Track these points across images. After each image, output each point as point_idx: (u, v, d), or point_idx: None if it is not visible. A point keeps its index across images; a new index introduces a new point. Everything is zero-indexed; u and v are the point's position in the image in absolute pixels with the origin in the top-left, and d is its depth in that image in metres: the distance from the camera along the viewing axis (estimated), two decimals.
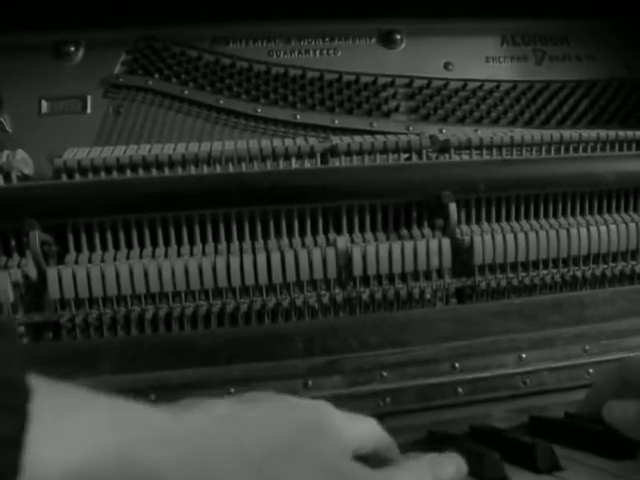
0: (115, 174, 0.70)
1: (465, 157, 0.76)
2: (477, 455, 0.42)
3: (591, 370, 0.63)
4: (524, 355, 0.62)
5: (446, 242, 0.68)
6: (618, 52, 0.96)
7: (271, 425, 0.35)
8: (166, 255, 0.68)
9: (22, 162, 0.71)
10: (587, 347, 0.63)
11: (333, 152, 0.73)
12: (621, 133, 0.80)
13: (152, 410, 0.32)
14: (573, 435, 0.47)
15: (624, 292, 0.69)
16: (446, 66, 0.91)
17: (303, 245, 0.69)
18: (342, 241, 0.67)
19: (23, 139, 0.79)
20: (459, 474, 0.40)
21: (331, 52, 0.89)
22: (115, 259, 0.67)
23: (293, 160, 0.73)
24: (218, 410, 0.35)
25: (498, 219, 0.75)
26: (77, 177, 0.70)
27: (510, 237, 0.69)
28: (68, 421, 0.28)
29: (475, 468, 0.42)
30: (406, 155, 0.75)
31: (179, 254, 0.68)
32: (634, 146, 0.80)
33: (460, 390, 0.60)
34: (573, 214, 0.76)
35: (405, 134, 0.79)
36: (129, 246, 0.69)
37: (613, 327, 0.65)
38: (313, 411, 0.38)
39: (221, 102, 0.84)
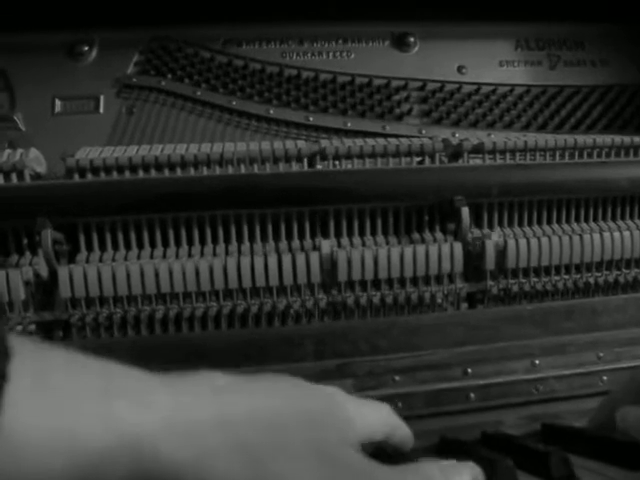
0: (127, 174, 0.70)
1: (478, 161, 0.75)
2: (490, 462, 0.42)
3: (605, 377, 0.62)
4: (537, 361, 0.61)
5: (458, 246, 0.67)
6: (633, 57, 0.95)
7: (269, 411, 0.33)
8: (177, 255, 0.68)
9: (35, 161, 0.71)
10: (601, 354, 0.63)
11: (348, 155, 0.73)
12: (636, 139, 0.79)
13: (144, 378, 0.31)
14: (587, 443, 0.46)
15: (637, 299, 0.68)
16: (459, 69, 0.91)
17: (314, 248, 0.69)
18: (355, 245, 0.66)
19: (36, 138, 0.79)
20: None
21: (344, 54, 0.89)
22: (126, 259, 0.67)
23: (305, 162, 0.73)
24: (212, 380, 0.33)
25: (510, 224, 0.74)
26: (89, 176, 0.70)
27: (522, 242, 0.69)
28: (52, 384, 0.27)
29: (488, 475, 0.41)
30: (419, 159, 0.75)
31: (190, 255, 0.68)
32: None
33: (472, 396, 0.60)
34: (586, 220, 0.76)
35: (418, 137, 0.79)
36: (140, 246, 0.69)
37: (626, 334, 0.64)
38: (321, 397, 0.37)
39: (233, 103, 0.84)
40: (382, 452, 0.42)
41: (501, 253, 0.68)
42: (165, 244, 0.69)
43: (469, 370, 0.60)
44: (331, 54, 0.89)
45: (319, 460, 0.33)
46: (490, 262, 0.68)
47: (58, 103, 0.82)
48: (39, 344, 0.28)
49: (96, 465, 0.27)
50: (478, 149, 0.75)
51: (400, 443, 0.42)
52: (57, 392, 0.27)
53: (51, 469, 0.26)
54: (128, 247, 0.69)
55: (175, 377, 0.32)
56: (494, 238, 0.69)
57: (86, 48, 0.85)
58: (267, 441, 0.32)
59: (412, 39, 0.90)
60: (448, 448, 0.50)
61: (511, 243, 0.68)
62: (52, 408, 0.26)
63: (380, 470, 0.35)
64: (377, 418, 0.40)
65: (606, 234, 0.71)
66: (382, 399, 0.58)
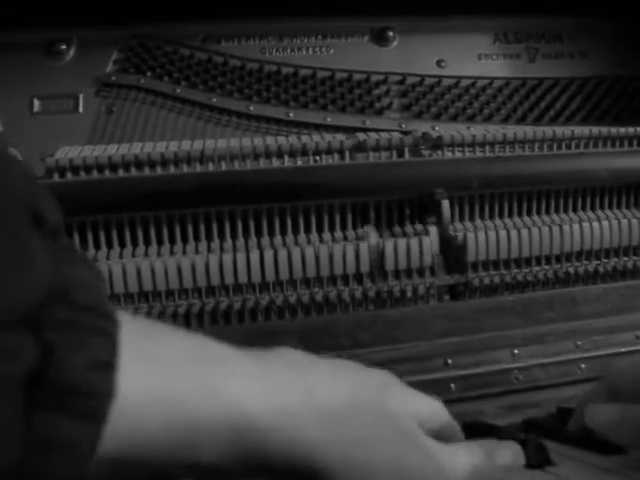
0: (107, 173, 0.70)
1: (458, 154, 0.76)
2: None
3: (583, 365, 0.63)
4: (517, 351, 0.62)
5: (437, 239, 0.68)
6: (611, 49, 0.96)
7: (343, 379, 0.36)
8: (159, 254, 0.68)
9: None
10: (579, 343, 0.63)
11: (328, 150, 0.73)
12: (614, 130, 0.80)
13: (235, 352, 0.32)
14: (564, 434, 0.47)
15: (616, 288, 0.69)
16: (439, 63, 0.91)
17: (296, 243, 0.69)
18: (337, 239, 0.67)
19: (15, 138, 0.78)
20: (516, 460, 0.41)
21: (324, 50, 0.89)
22: (108, 258, 0.67)
23: (286, 158, 0.73)
24: (293, 357, 0.35)
25: (491, 216, 0.75)
26: (69, 176, 0.69)
27: (503, 234, 0.69)
28: (153, 350, 0.28)
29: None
30: (399, 153, 0.75)
31: (172, 253, 0.68)
32: (626, 142, 0.80)
33: (453, 386, 0.60)
34: (566, 211, 0.76)
35: (398, 131, 0.79)
36: (122, 245, 0.68)
37: (605, 323, 0.65)
38: (385, 380, 0.39)
39: (214, 100, 0.84)
40: None
41: (482, 245, 0.69)
42: (147, 242, 0.69)
43: (449, 361, 0.61)
44: (311, 50, 0.89)
45: (390, 429, 0.35)
46: (471, 254, 0.69)
47: (36, 103, 0.82)
48: (137, 317, 0.29)
49: (195, 430, 0.28)
50: (458, 142, 0.76)
51: (449, 437, 0.43)
52: (162, 356, 0.28)
53: (151, 434, 0.27)
54: (110, 246, 0.68)
55: (255, 352, 0.34)
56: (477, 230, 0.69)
57: (64, 47, 0.84)
58: (345, 405, 0.34)
59: (391, 34, 0.90)
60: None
61: (492, 235, 0.69)
62: (157, 371, 0.27)
63: (438, 447, 0.37)
64: (432, 408, 0.41)
65: (585, 224, 0.72)
66: None
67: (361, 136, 0.75)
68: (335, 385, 0.35)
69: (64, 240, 0.30)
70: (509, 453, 0.41)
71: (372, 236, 0.69)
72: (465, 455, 0.38)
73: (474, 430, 0.48)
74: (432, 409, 0.41)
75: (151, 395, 0.27)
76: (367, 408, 0.35)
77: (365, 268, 0.66)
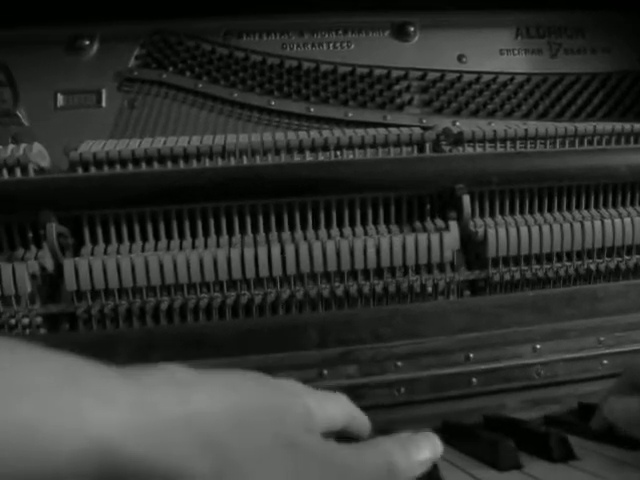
0: (130, 167, 0.71)
1: (479, 150, 0.76)
2: (492, 443, 0.42)
3: (605, 361, 0.62)
4: (538, 346, 0.62)
5: (458, 234, 0.68)
6: (633, 44, 0.95)
7: (229, 394, 0.34)
8: (181, 247, 0.68)
9: (38, 155, 0.72)
10: (601, 339, 0.63)
11: (349, 145, 0.73)
12: (636, 126, 0.79)
13: (106, 372, 0.30)
14: (586, 429, 0.47)
15: (638, 285, 0.69)
16: (460, 59, 0.91)
17: (317, 238, 0.69)
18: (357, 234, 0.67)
19: (39, 132, 0.80)
20: (434, 454, 0.39)
21: (344, 45, 0.89)
22: (130, 251, 0.68)
23: (307, 153, 0.73)
24: (175, 374, 0.33)
25: (512, 212, 0.74)
26: (93, 170, 0.70)
27: (524, 230, 0.69)
28: (19, 374, 0.27)
29: (490, 457, 0.42)
30: (420, 148, 0.75)
31: (193, 246, 0.69)
32: None
33: (474, 380, 0.60)
34: (587, 207, 0.76)
35: (419, 127, 0.79)
36: (144, 238, 0.69)
37: (627, 319, 0.65)
38: (279, 389, 0.38)
39: (235, 95, 0.85)
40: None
41: (502, 241, 0.69)
42: (169, 236, 0.70)
43: (471, 355, 0.61)
44: (331, 45, 0.89)
45: (283, 449, 0.33)
46: (492, 250, 0.69)
47: (60, 97, 0.83)
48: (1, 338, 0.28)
49: (54, 461, 0.27)
50: (479, 138, 0.75)
51: (358, 431, 0.43)
52: (20, 383, 0.26)
53: (6, 464, 0.25)
54: (132, 240, 0.69)
55: (135, 371, 0.32)
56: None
57: (87, 42, 0.85)
58: (232, 435, 0.32)
59: (412, 29, 0.90)
60: (450, 432, 0.50)
61: (512, 231, 0.69)
62: (15, 403, 0.26)
63: (341, 450, 0.36)
64: (335, 408, 0.41)
65: (607, 221, 0.71)
66: (385, 385, 0.59)
67: (382, 131, 0.75)
68: (220, 405, 0.33)
69: None
70: (427, 446, 0.39)
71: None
72: (372, 454, 0.37)
73: (496, 424, 0.48)
74: (337, 409, 0.41)
75: (5, 425, 0.25)
76: (254, 431, 0.33)
77: (386, 263, 0.66)
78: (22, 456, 0.26)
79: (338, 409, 0.41)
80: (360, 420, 0.43)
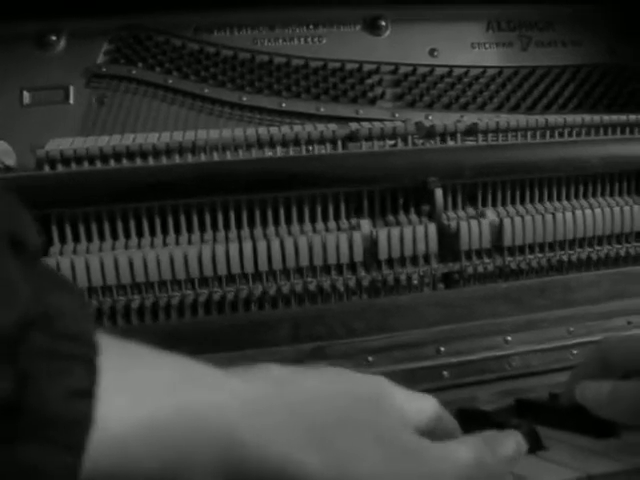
0: (99, 164, 0.69)
1: (451, 143, 0.76)
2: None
3: (575, 351, 0.63)
4: (509, 338, 0.62)
5: (432, 228, 0.68)
6: (603, 37, 0.96)
7: (329, 394, 0.35)
8: (152, 245, 0.67)
9: (4, 153, 0.71)
10: (571, 329, 0.64)
11: (321, 140, 0.73)
12: (606, 117, 0.80)
13: (217, 372, 0.32)
14: (556, 416, 0.47)
15: (609, 275, 0.70)
16: (431, 52, 0.91)
17: (289, 233, 0.69)
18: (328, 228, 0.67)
19: (5, 131, 0.78)
20: (519, 450, 0.40)
21: (316, 39, 0.89)
22: (100, 250, 0.67)
23: (278, 148, 0.73)
24: (274, 372, 0.35)
25: (484, 204, 0.75)
26: (60, 168, 0.69)
27: (496, 222, 0.69)
28: (135, 377, 0.28)
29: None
30: (392, 142, 0.75)
31: (165, 244, 0.68)
32: (619, 130, 0.80)
33: (446, 373, 0.60)
34: (559, 198, 0.77)
35: (391, 121, 0.79)
36: (114, 237, 0.68)
37: (598, 309, 0.65)
38: (372, 384, 0.39)
39: (206, 91, 0.84)
40: None
41: (475, 233, 0.69)
42: (139, 234, 0.69)
43: (442, 349, 0.61)
44: (303, 39, 0.89)
45: (378, 440, 0.34)
46: (464, 243, 0.69)
47: (26, 94, 0.81)
48: (115, 338, 0.29)
49: (183, 456, 0.28)
50: (451, 131, 0.75)
51: (446, 433, 0.43)
52: (141, 385, 0.28)
53: (136, 461, 0.27)
54: (102, 238, 0.68)
55: (236, 370, 0.34)
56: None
57: (54, 38, 0.83)
58: (331, 421, 0.33)
59: (383, 23, 0.90)
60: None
61: (485, 223, 0.69)
62: (136, 400, 0.27)
63: (434, 447, 0.37)
64: (425, 407, 0.41)
65: (578, 212, 0.72)
66: None
67: (354, 125, 0.74)
68: (320, 402, 0.34)
69: (45, 265, 0.29)
70: (511, 443, 0.40)
71: (365, 226, 0.68)
72: (463, 450, 0.37)
73: (467, 416, 0.48)
74: (426, 409, 0.41)
75: (134, 423, 0.27)
76: (354, 424, 0.34)
77: (358, 257, 0.66)
78: (150, 455, 0.27)
79: (427, 408, 0.41)
80: (449, 423, 0.44)
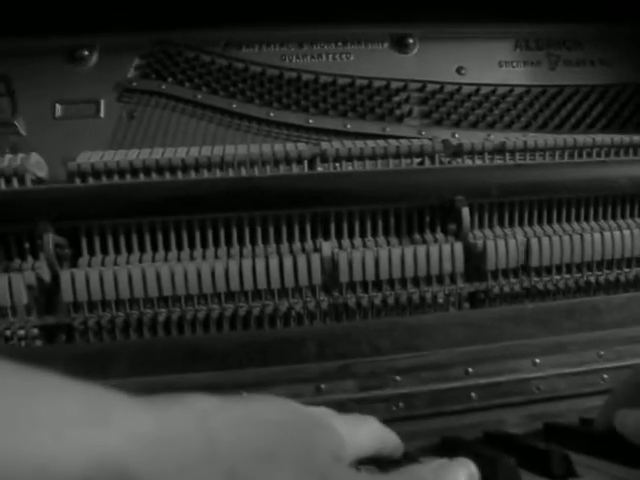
0: (128, 178, 0.70)
1: (478, 162, 0.75)
2: (492, 460, 0.42)
3: (605, 376, 0.62)
4: (538, 360, 0.61)
5: (459, 247, 0.67)
6: (631, 57, 0.95)
7: (255, 425, 0.33)
8: (179, 259, 0.68)
9: (36, 165, 0.72)
10: (602, 353, 0.63)
11: (348, 157, 0.73)
12: (635, 138, 0.79)
13: (126, 403, 0.30)
14: (589, 442, 0.46)
15: (638, 297, 0.68)
16: (459, 70, 0.91)
17: (316, 249, 0.69)
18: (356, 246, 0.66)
19: (37, 142, 0.79)
20: None
21: (344, 56, 0.89)
22: (128, 262, 0.67)
23: (305, 164, 0.73)
24: (199, 405, 0.32)
25: (511, 224, 0.74)
26: (90, 180, 0.70)
27: (523, 242, 0.69)
28: (33, 408, 0.26)
29: (490, 474, 0.41)
30: (419, 160, 0.75)
31: (192, 258, 0.68)
32: None
33: (473, 395, 0.60)
34: (587, 219, 0.76)
35: (418, 139, 0.79)
36: (142, 249, 0.69)
37: (628, 333, 0.64)
38: (311, 417, 0.37)
39: (234, 106, 0.85)
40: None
41: (502, 253, 0.68)
42: (167, 247, 0.69)
43: (470, 370, 0.60)
44: (331, 56, 0.89)
45: (305, 476, 0.33)
46: (491, 262, 0.68)
47: (59, 108, 0.83)
48: (16, 364, 0.27)
49: None
50: (478, 150, 0.75)
51: (391, 454, 0.42)
52: (40, 417, 0.26)
53: None
54: (130, 250, 0.69)
55: (159, 402, 0.31)
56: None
57: (87, 53, 0.85)
58: (257, 469, 0.31)
59: (411, 40, 0.90)
60: (450, 447, 0.50)
61: (512, 243, 0.68)
62: (33, 434, 0.25)
63: None
64: (367, 434, 0.40)
65: (606, 233, 0.71)
66: (384, 399, 0.59)
67: (381, 143, 0.74)
68: (244, 437, 0.32)
69: None
70: (462, 472, 0.38)
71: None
72: None
73: (495, 440, 0.48)
74: (368, 436, 0.40)
75: (30, 458, 0.25)
76: (281, 459, 0.32)
77: (385, 275, 0.66)
78: None
79: (369, 434, 0.41)
80: (391, 443, 0.43)
